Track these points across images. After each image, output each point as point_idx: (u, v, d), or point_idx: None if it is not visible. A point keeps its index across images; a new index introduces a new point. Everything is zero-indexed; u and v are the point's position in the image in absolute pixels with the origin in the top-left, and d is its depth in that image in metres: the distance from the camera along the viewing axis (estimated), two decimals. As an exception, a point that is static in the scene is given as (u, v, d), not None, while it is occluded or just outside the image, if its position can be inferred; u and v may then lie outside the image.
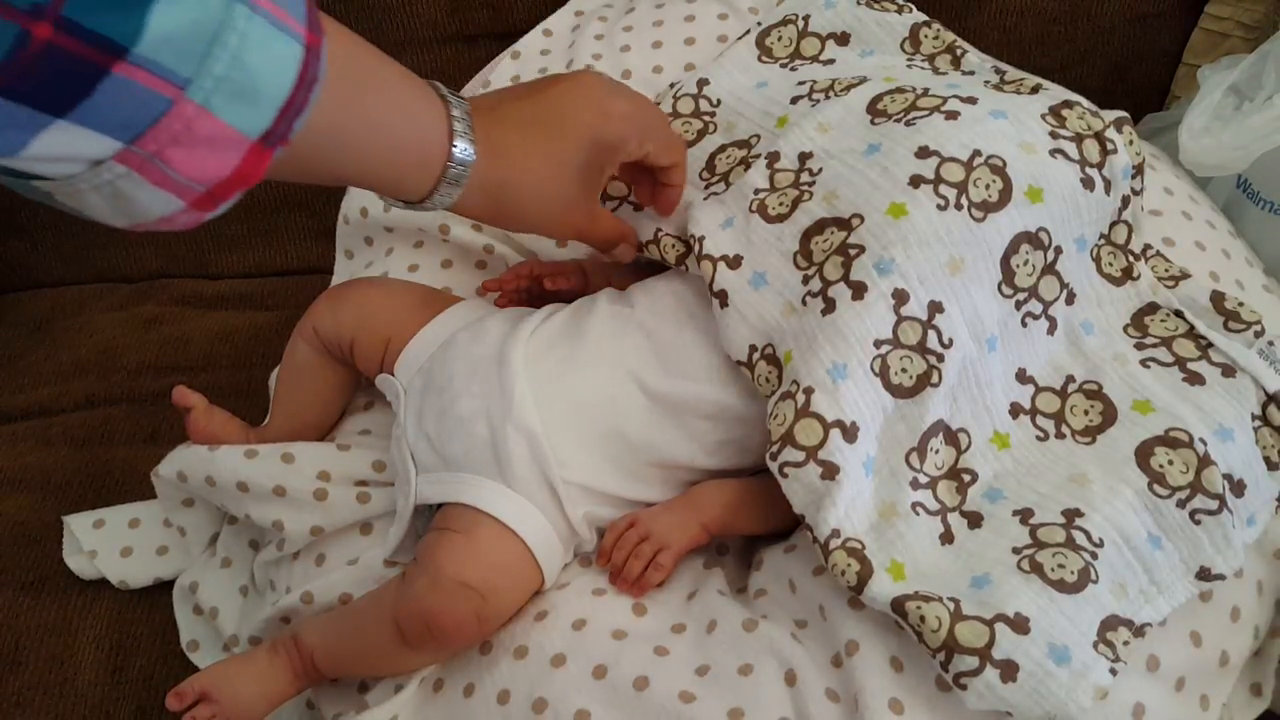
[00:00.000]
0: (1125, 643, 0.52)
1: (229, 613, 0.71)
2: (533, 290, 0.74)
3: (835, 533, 0.55)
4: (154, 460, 0.72)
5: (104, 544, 0.76)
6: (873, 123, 0.65)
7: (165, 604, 0.74)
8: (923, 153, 0.60)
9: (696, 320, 0.65)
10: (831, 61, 0.75)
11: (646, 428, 0.63)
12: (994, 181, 0.60)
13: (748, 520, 0.65)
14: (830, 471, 0.56)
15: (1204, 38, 0.91)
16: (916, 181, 0.59)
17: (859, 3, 0.76)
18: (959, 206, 0.59)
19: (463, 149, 0.54)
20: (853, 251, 0.59)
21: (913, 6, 0.77)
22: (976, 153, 0.60)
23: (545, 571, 0.62)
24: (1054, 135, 0.62)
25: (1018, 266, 0.60)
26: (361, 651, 0.61)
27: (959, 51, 0.74)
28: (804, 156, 0.65)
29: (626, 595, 0.62)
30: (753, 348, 0.62)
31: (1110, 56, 0.94)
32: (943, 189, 0.59)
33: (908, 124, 0.63)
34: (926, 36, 0.75)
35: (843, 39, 0.75)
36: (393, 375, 0.68)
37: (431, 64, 0.94)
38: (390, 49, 0.92)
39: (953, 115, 0.62)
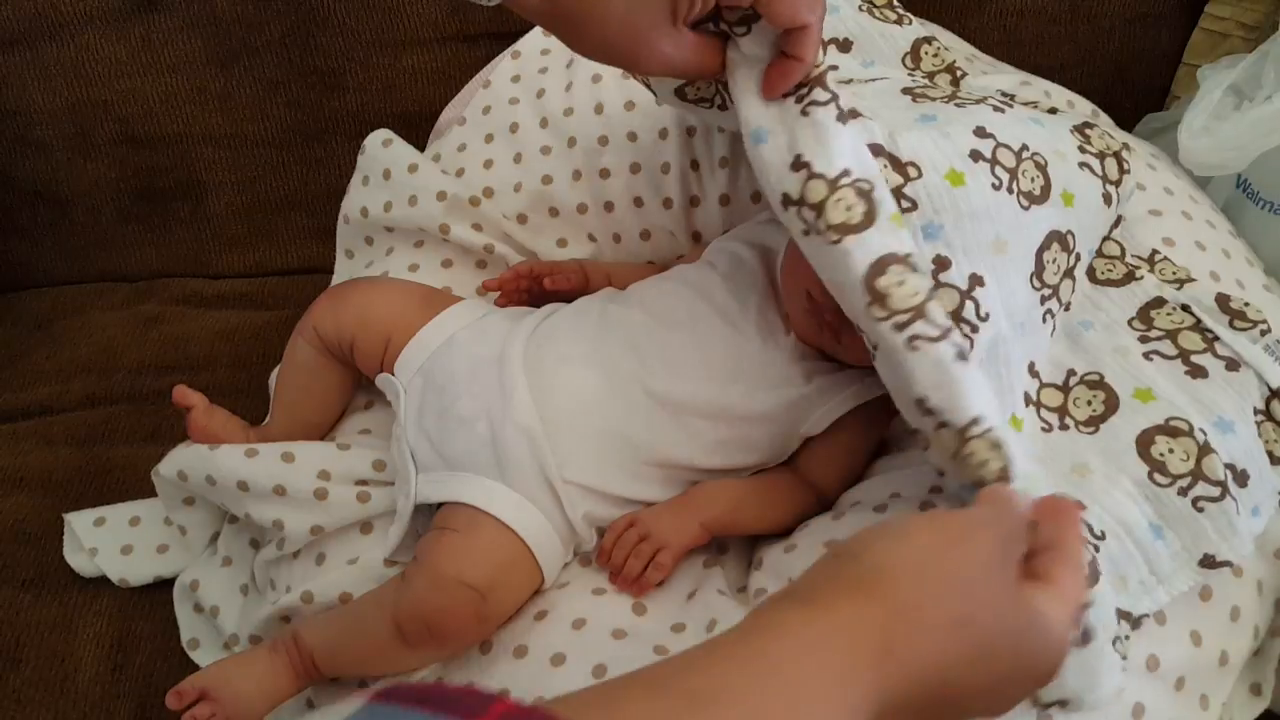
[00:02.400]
0: (1125, 637, 0.52)
1: (229, 611, 0.71)
2: (533, 290, 0.74)
3: (976, 420, 0.51)
4: (154, 459, 0.72)
5: (104, 542, 0.76)
6: (914, 101, 0.63)
7: (165, 602, 0.74)
8: (980, 132, 0.59)
9: (697, 320, 0.65)
10: (835, 68, 0.74)
11: (646, 427, 0.63)
12: (1038, 176, 0.59)
13: (748, 520, 0.65)
14: (963, 355, 0.52)
15: (1204, 38, 0.91)
16: (976, 156, 0.58)
17: (860, 9, 0.76)
18: (1010, 191, 0.58)
19: None
20: (904, 204, 0.55)
21: (912, 18, 0.76)
22: (1025, 146, 0.60)
23: (545, 571, 0.62)
24: (1082, 149, 0.62)
25: (1048, 263, 0.60)
26: (361, 651, 0.61)
27: (959, 73, 0.74)
28: (854, 113, 0.58)
29: (626, 595, 0.62)
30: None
31: (1110, 56, 0.94)
32: (998, 170, 0.58)
33: (957, 105, 0.62)
34: (927, 54, 0.74)
35: (845, 45, 0.74)
36: (393, 375, 0.68)
37: (431, 64, 0.94)
38: (390, 49, 0.94)
39: (999, 109, 0.62)
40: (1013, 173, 0.58)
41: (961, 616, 0.38)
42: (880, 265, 0.51)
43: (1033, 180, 0.59)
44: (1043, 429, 0.61)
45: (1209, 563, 0.56)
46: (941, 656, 0.37)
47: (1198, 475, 0.56)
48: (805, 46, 0.52)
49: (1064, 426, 0.60)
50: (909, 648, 0.36)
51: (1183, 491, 0.56)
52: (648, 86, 0.64)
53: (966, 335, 0.54)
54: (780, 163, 0.53)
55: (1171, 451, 0.57)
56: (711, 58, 0.54)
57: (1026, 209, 0.58)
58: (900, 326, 0.51)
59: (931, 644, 0.37)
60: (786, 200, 0.53)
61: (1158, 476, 0.56)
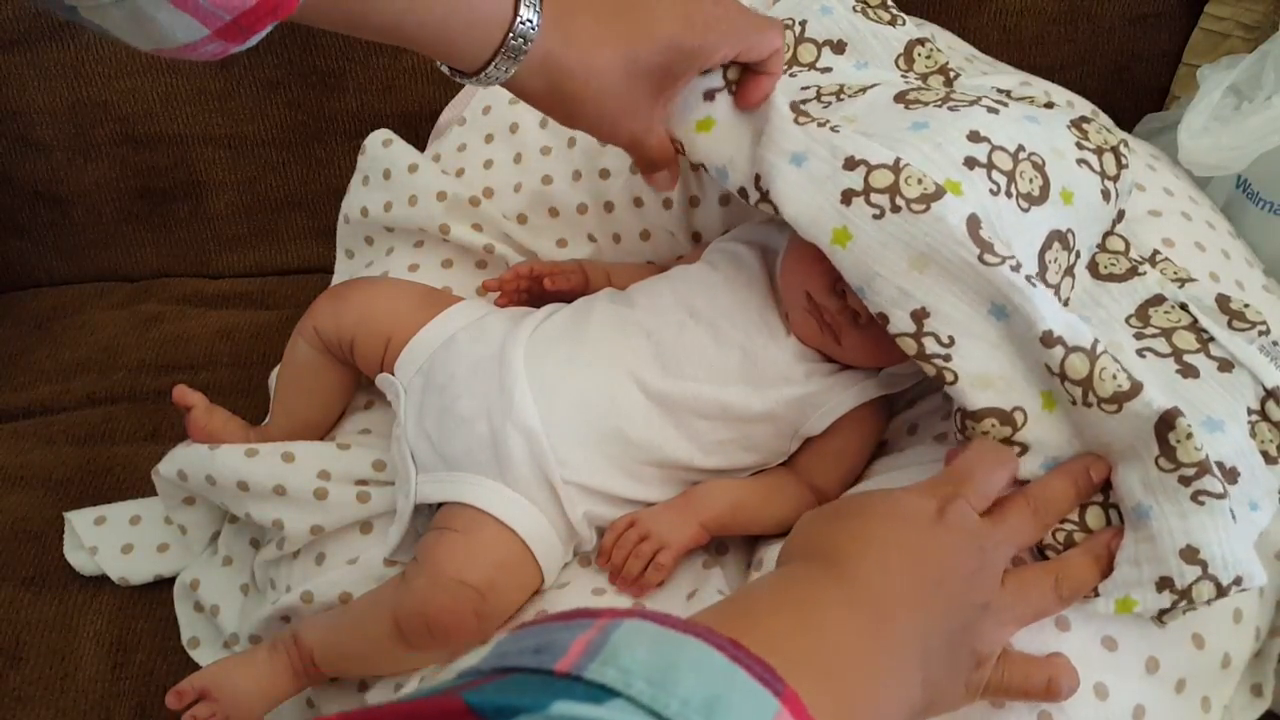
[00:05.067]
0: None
1: (230, 611, 0.72)
2: (533, 290, 0.74)
3: (1096, 340, 0.54)
4: (155, 458, 0.72)
5: (105, 540, 0.76)
6: (907, 108, 0.63)
7: (166, 600, 0.74)
8: (974, 137, 0.59)
9: (697, 320, 0.65)
10: (829, 70, 0.73)
11: (646, 427, 0.63)
12: (1036, 177, 0.59)
13: (747, 520, 0.65)
14: (1057, 295, 0.57)
15: (1204, 38, 0.91)
16: (971, 163, 0.58)
17: (854, 9, 0.75)
18: (1009, 194, 0.58)
19: (527, 19, 0.50)
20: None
21: (906, 18, 0.76)
22: (1021, 147, 0.60)
23: (545, 571, 0.62)
24: (1079, 145, 0.62)
25: (1049, 263, 0.60)
26: (361, 650, 0.61)
27: (952, 74, 0.73)
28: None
29: (626, 595, 0.62)
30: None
31: (1110, 56, 0.94)
32: (995, 174, 0.58)
33: (950, 109, 0.61)
34: (920, 55, 0.74)
35: (839, 47, 0.73)
36: (393, 374, 0.68)
37: (431, 64, 0.93)
38: (390, 49, 0.94)
39: (993, 110, 0.62)
40: (1010, 175, 0.58)
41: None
42: (974, 221, 0.55)
43: (1031, 181, 0.59)
44: None
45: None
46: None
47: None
48: (777, 63, 0.61)
49: None
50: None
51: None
52: None
53: None
54: (831, 169, 0.57)
55: None
56: (669, 151, 0.62)
57: (1026, 211, 0.58)
58: (1016, 268, 0.54)
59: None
60: (849, 195, 0.56)
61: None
